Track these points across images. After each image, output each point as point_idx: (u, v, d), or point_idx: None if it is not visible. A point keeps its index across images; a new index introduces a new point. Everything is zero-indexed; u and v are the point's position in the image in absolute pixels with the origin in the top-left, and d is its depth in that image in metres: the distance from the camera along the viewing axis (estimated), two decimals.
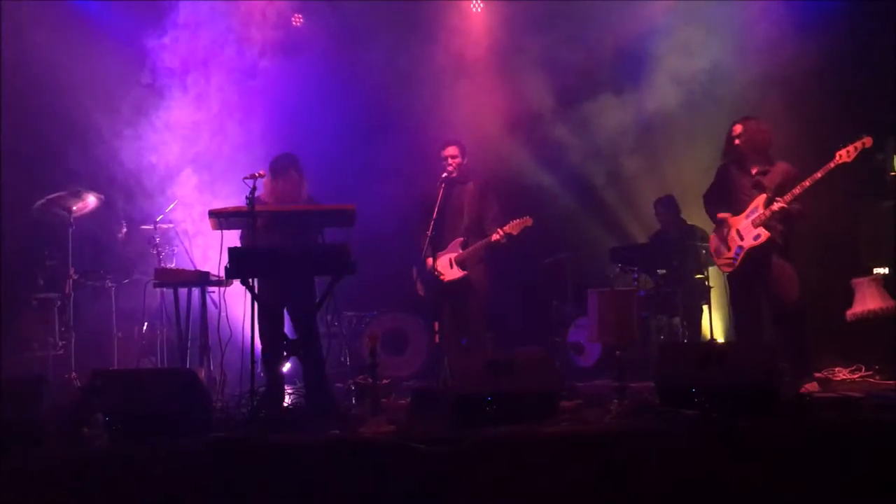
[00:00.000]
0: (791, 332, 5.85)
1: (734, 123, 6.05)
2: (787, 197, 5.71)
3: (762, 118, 6.09)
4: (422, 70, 8.10)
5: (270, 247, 5.53)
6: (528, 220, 6.01)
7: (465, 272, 6.00)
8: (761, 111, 6.54)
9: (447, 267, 6.01)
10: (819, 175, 5.63)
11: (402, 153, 7.96)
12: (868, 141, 5.59)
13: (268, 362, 5.84)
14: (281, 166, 5.87)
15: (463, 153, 6.19)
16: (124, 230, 7.17)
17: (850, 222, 6.82)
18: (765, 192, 5.88)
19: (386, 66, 8.12)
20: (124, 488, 4.03)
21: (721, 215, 6.02)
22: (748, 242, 5.87)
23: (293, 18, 8.38)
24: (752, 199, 5.92)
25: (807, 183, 5.67)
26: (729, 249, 5.96)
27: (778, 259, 5.87)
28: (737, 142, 5.96)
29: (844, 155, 5.59)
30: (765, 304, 6.01)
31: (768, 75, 7.34)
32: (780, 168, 5.93)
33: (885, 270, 6.33)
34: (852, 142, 5.58)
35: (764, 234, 5.82)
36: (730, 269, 6.00)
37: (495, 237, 5.97)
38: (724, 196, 6.11)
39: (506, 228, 5.97)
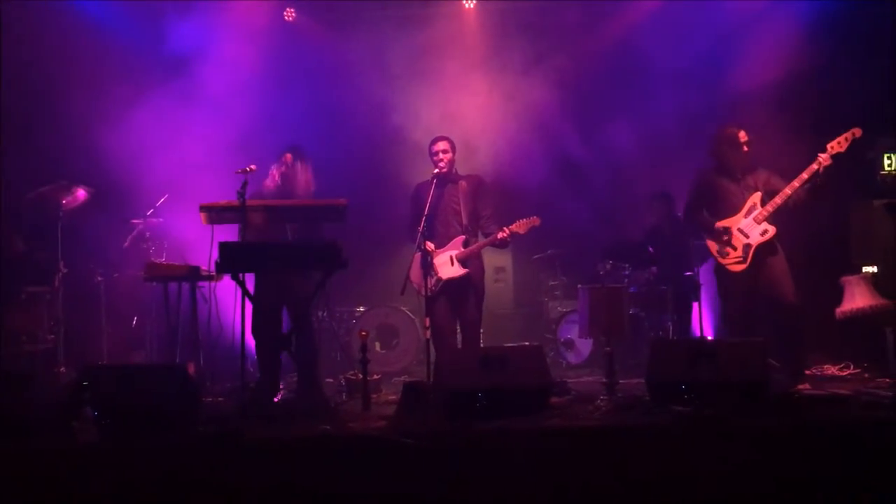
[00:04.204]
0: (789, 333, 5.85)
1: (737, 129, 5.97)
2: (787, 190, 5.72)
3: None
4: (414, 66, 8.08)
5: (260, 242, 5.51)
6: (536, 220, 5.91)
7: (467, 269, 5.96)
8: (751, 114, 6.57)
9: (448, 264, 5.96)
10: (815, 167, 5.63)
11: (394, 149, 7.95)
12: (857, 132, 5.62)
13: (260, 357, 5.83)
14: (305, 154, 6.01)
15: (453, 148, 6.14)
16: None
17: (840, 220, 6.83)
18: (758, 190, 5.90)
19: (377, 61, 8.11)
20: (113, 482, 4.02)
21: (720, 224, 5.95)
22: (755, 239, 5.83)
23: (285, 13, 8.37)
24: (745, 199, 5.92)
25: (797, 181, 5.67)
26: (736, 249, 5.88)
27: (776, 258, 5.86)
28: (745, 148, 5.92)
29: (836, 146, 5.61)
30: (760, 304, 5.98)
31: (759, 77, 7.32)
32: (762, 172, 5.98)
33: (874, 269, 6.35)
34: (841, 134, 5.61)
35: (771, 229, 5.81)
36: (743, 267, 5.87)
37: (501, 235, 5.88)
38: (711, 202, 6.06)
39: (513, 227, 5.87)
